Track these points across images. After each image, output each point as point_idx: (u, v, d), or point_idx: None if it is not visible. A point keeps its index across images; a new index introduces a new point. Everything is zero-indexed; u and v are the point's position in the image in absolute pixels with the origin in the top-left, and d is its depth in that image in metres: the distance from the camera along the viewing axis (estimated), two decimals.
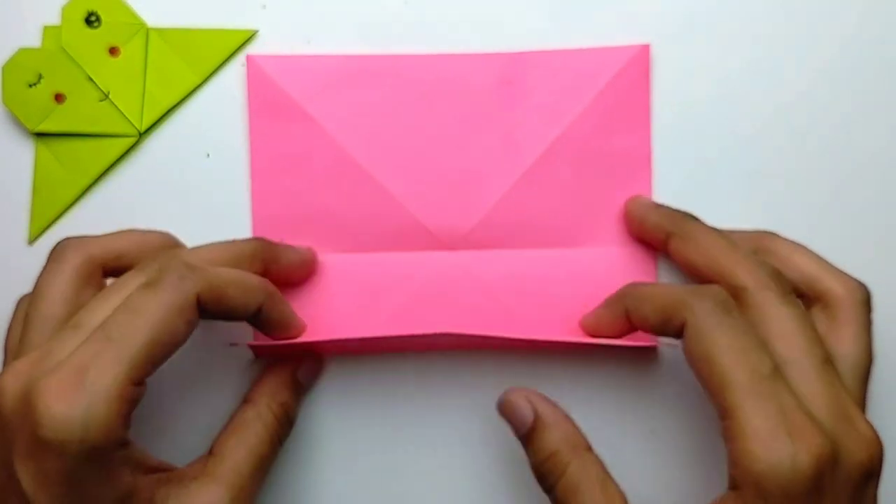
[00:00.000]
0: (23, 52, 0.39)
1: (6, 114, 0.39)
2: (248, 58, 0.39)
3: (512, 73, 0.39)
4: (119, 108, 0.39)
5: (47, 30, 0.39)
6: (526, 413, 0.35)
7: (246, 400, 0.37)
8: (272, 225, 0.39)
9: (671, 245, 0.37)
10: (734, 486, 0.31)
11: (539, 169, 0.39)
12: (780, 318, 0.33)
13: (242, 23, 0.40)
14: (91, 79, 0.39)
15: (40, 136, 0.39)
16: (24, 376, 0.31)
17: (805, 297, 0.36)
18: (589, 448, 0.35)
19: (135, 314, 0.31)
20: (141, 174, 0.40)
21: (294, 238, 0.39)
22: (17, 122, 0.39)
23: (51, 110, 0.39)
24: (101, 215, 0.40)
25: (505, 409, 0.36)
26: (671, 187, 0.40)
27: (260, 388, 0.37)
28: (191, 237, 0.39)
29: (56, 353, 0.31)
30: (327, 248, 0.39)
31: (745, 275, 0.34)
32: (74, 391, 0.29)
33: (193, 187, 0.40)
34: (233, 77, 0.40)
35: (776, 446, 0.30)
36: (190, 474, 0.33)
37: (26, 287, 0.36)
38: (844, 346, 0.35)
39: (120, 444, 0.30)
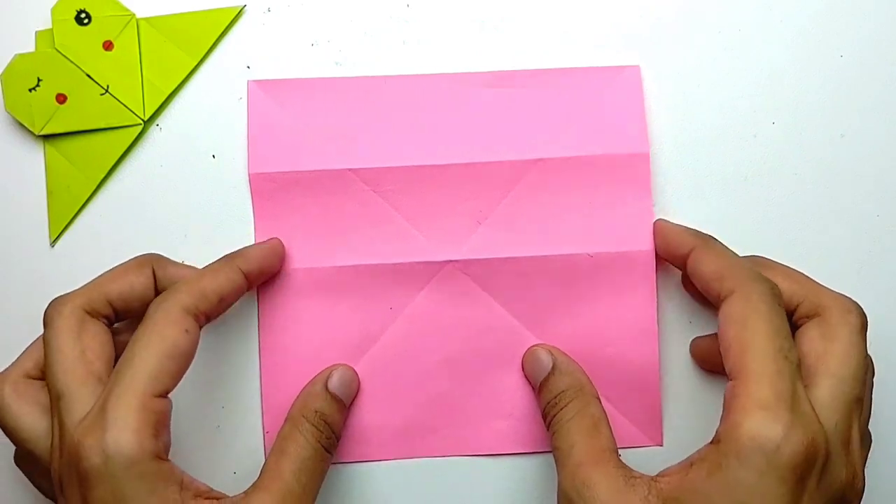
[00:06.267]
0: (19, 59, 0.39)
1: (11, 121, 0.40)
2: (249, 83, 0.40)
3: (507, 90, 0.40)
4: (120, 99, 0.40)
5: (40, 34, 0.40)
6: (545, 361, 0.38)
7: (284, 421, 0.38)
8: (276, 234, 0.40)
9: (694, 254, 0.37)
10: (717, 440, 0.31)
11: (535, 181, 0.39)
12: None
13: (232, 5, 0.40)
14: (89, 75, 0.40)
15: (47, 138, 0.40)
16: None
17: (799, 312, 0.36)
18: (596, 396, 0.37)
19: (131, 347, 0.34)
20: (152, 166, 0.40)
21: (296, 250, 0.39)
22: (23, 128, 0.40)
23: (54, 111, 0.40)
24: (119, 210, 0.40)
25: (528, 359, 0.39)
26: (670, 197, 0.40)
27: (293, 406, 0.38)
28: (202, 230, 0.40)
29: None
30: (328, 260, 0.39)
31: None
32: (99, 423, 0.32)
33: (202, 182, 0.41)
34: (228, 58, 0.40)
35: (776, 417, 0.30)
36: (239, 496, 0.34)
37: (52, 288, 0.37)
38: (833, 365, 0.34)
39: (153, 455, 0.32)
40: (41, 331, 0.36)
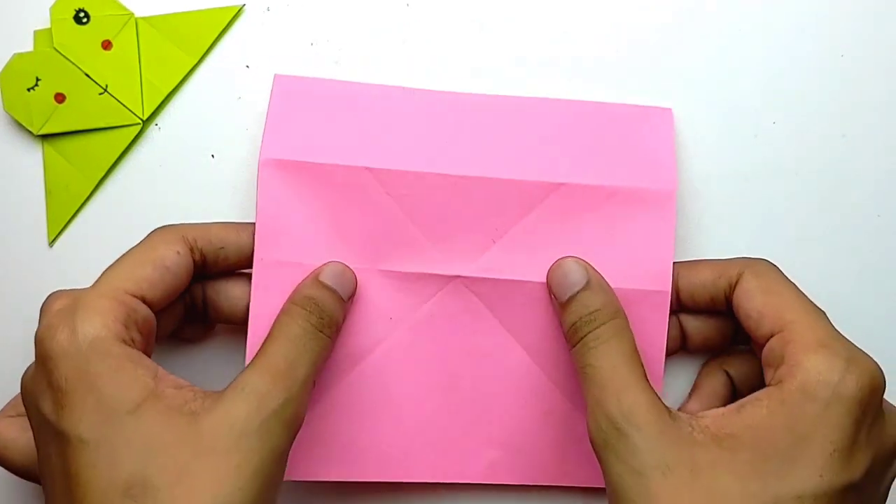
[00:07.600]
0: (18, 58, 0.39)
1: (9, 120, 0.40)
2: (276, 77, 0.39)
3: (533, 116, 0.39)
4: (119, 99, 0.40)
5: (38, 33, 0.40)
6: (577, 276, 0.36)
7: None
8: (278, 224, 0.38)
9: (744, 280, 0.36)
10: (775, 382, 0.32)
11: (555, 205, 0.38)
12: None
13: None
14: (88, 75, 0.39)
15: (46, 137, 0.40)
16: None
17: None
18: (627, 320, 0.35)
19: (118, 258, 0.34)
20: (151, 166, 0.40)
21: (296, 244, 0.38)
22: (22, 127, 0.40)
23: (52, 111, 0.39)
24: (117, 210, 0.40)
25: (556, 272, 0.37)
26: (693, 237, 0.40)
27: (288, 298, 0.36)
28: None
29: None
30: (329, 258, 0.38)
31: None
32: (69, 309, 0.32)
33: (202, 182, 0.40)
34: (227, 58, 0.40)
35: (836, 352, 0.31)
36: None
37: (50, 289, 0.37)
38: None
39: (120, 339, 0.31)
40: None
